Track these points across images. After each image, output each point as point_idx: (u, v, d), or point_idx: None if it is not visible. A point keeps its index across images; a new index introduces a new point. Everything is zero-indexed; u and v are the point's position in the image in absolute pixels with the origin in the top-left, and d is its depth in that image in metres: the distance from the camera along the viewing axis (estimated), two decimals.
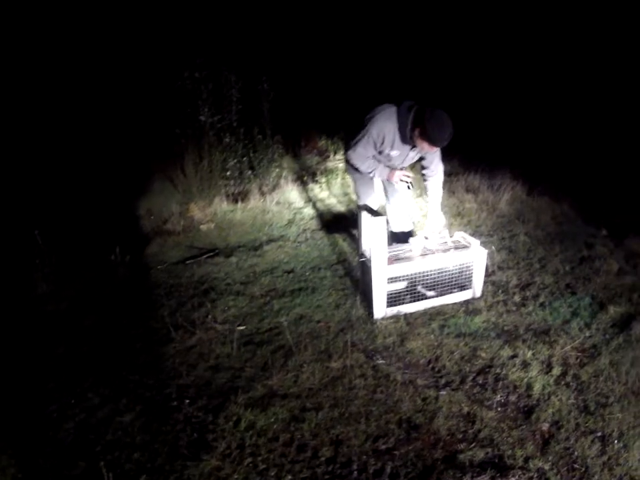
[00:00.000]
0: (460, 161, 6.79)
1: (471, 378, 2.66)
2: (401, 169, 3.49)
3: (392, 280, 3.23)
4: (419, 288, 3.33)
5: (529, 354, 2.82)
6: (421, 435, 2.26)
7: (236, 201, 5.76)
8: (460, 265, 3.36)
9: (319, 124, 8.46)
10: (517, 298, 3.48)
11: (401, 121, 3.19)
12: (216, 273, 4.02)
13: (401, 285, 3.30)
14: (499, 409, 2.44)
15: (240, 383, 2.64)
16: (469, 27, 9.40)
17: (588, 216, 5.02)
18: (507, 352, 2.85)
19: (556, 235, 4.58)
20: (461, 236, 3.54)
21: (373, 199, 3.80)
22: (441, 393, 2.53)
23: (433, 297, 3.36)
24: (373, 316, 3.24)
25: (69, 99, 6.92)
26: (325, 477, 2.05)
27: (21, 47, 6.94)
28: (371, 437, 2.25)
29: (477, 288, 3.47)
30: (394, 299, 3.27)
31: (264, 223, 5.22)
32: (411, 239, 3.46)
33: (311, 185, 6.46)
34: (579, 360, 2.79)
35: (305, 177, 6.77)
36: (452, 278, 3.37)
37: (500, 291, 3.58)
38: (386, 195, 3.90)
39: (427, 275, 3.29)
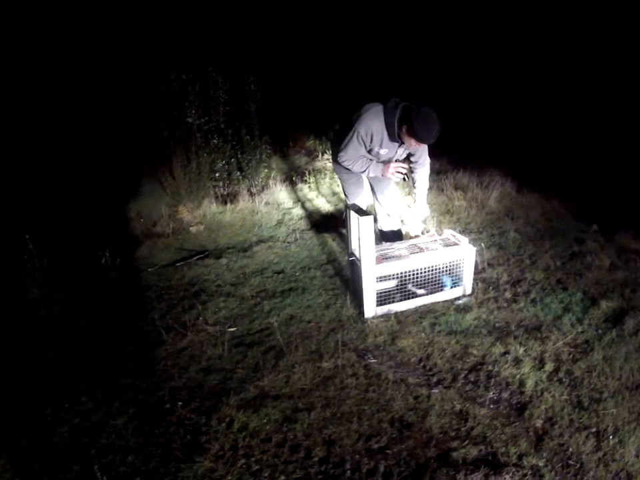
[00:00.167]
0: (448, 159, 6.82)
1: (462, 375, 2.66)
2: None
3: (381, 279, 3.22)
4: (409, 286, 3.32)
5: (521, 350, 2.81)
6: (414, 433, 2.26)
7: (225, 203, 5.75)
8: (449, 262, 3.36)
9: (307, 124, 8.47)
10: (507, 294, 3.48)
11: (388, 119, 3.18)
12: (206, 274, 4.01)
13: (391, 284, 3.30)
14: (492, 406, 2.43)
15: (232, 385, 2.63)
16: (457, 25, 9.44)
17: (578, 212, 5.04)
18: (498, 349, 2.84)
19: (546, 231, 4.59)
20: (450, 233, 3.54)
21: (362, 198, 3.81)
22: (433, 391, 2.53)
23: (423, 295, 3.36)
24: (363, 315, 3.24)
25: (57, 103, 6.89)
26: (318, 477, 2.04)
27: (8, 52, 6.87)
28: (364, 437, 2.24)
29: (467, 285, 3.47)
30: (384, 298, 3.27)
31: (253, 223, 5.21)
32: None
33: (299, 185, 6.46)
34: (571, 355, 2.79)
35: (293, 177, 6.76)
36: (442, 275, 3.37)
37: (490, 287, 3.58)
38: (374, 194, 3.90)
39: (417, 273, 3.29)
